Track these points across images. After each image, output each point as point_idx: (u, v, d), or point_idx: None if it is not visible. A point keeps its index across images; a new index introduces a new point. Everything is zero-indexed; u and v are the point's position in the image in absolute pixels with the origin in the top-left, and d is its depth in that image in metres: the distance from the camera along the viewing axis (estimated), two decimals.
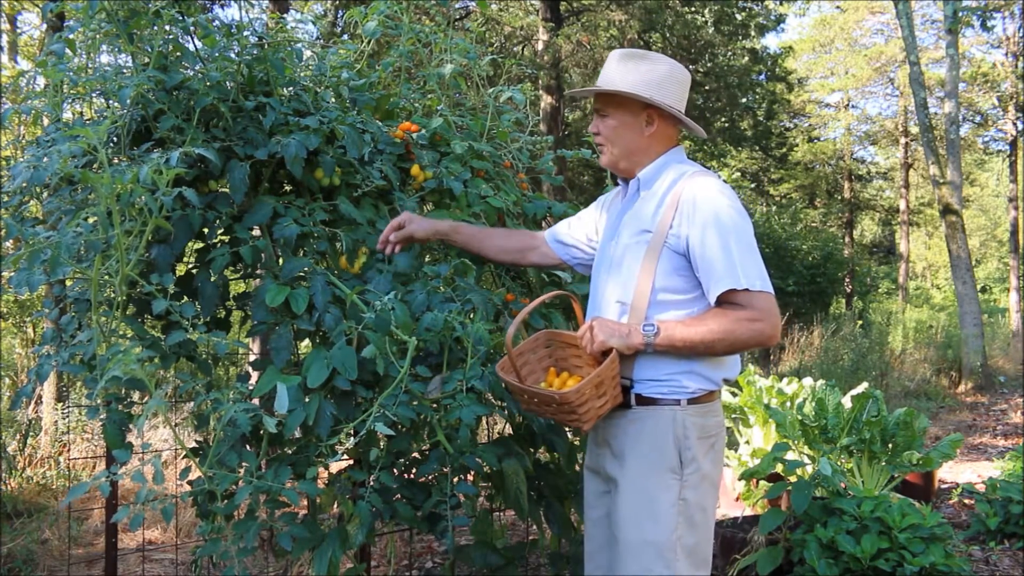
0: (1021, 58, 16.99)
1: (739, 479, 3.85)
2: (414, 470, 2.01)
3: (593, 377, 1.65)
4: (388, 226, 2.01)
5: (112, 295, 1.76)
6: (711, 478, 1.78)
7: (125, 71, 1.94)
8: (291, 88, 2.09)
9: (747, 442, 4.57)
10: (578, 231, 2.09)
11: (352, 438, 1.77)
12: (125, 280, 1.67)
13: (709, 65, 12.62)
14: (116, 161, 1.89)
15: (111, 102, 1.95)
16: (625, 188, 1.93)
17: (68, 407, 5.29)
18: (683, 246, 1.73)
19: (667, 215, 1.75)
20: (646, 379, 1.75)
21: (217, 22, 2.02)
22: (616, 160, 1.87)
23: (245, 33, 1.97)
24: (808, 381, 4.82)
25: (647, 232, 1.78)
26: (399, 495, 1.95)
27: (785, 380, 4.94)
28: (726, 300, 1.68)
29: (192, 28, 1.97)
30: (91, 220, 1.70)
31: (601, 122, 1.87)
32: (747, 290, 1.65)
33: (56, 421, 5.18)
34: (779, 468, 3.44)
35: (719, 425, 1.82)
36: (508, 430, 2.39)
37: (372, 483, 1.87)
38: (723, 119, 13.62)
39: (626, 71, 1.81)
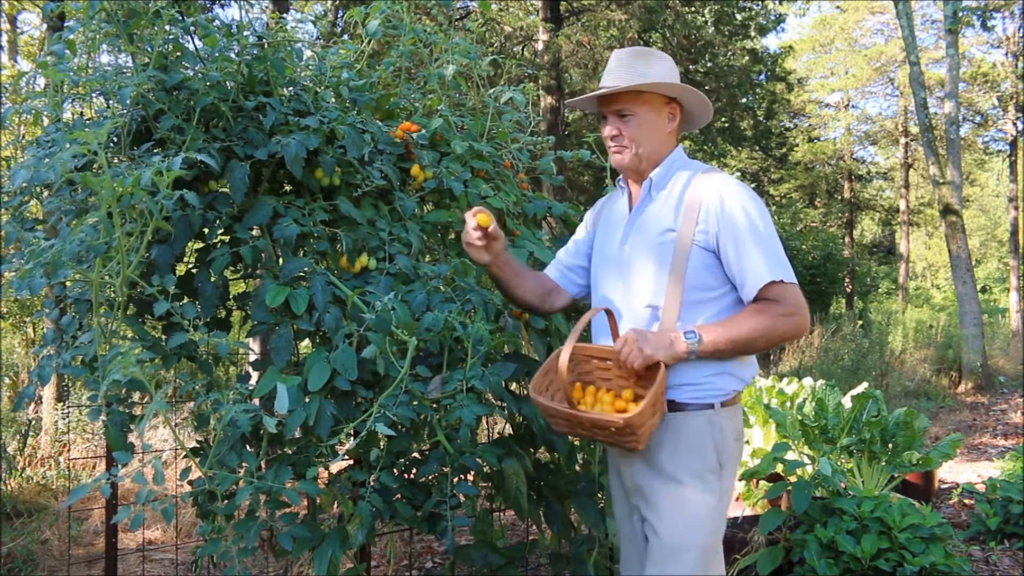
0: (1021, 58, 16.98)
1: (739, 479, 3.85)
2: (414, 470, 2.01)
3: (651, 396, 1.59)
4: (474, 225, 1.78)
5: (113, 296, 1.76)
6: (734, 478, 1.80)
7: (125, 71, 1.94)
8: (291, 88, 2.09)
9: (747, 442, 4.57)
10: (580, 255, 2.02)
11: (352, 438, 1.77)
12: (126, 281, 1.67)
13: (709, 65, 12.61)
14: (116, 161, 1.89)
15: (111, 102, 1.95)
16: (624, 190, 1.90)
17: (68, 407, 5.29)
18: (712, 243, 1.70)
19: (691, 213, 1.72)
20: (682, 384, 1.72)
21: (217, 22, 2.02)
22: (639, 161, 1.80)
23: (245, 33, 1.97)
24: (808, 381, 4.83)
25: (671, 231, 1.73)
26: (399, 495, 1.95)
27: (785, 380, 4.94)
28: (761, 295, 1.66)
29: (192, 28, 1.97)
30: (91, 222, 1.70)
31: (622, 123, 1.79)
32: (781, 282, 1.65)
33: (56, 421, 5.18)
34: (779, 468, 3.44)
35: (742, 425, 1.83)
36: (508, 430, 2.39)
37: (372, 483, 1.87)
38: (723, 119, 13.61)
39: (646, 66, 1.77)
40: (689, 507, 1.69)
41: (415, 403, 1.82)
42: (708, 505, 1.70)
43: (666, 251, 1.72)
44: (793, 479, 3.31)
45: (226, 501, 1.79)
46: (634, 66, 1.77)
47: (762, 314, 1.65)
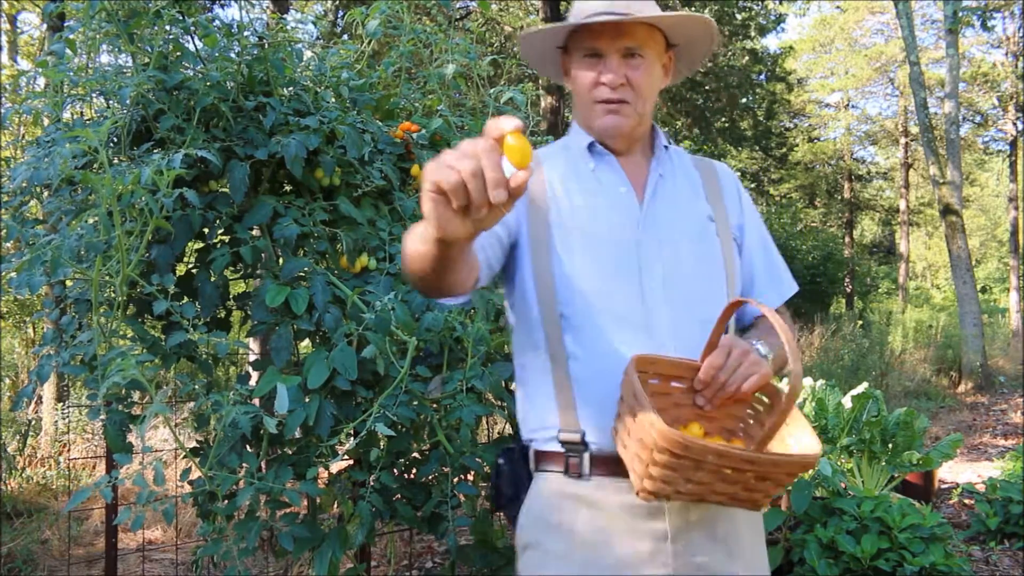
0: (1021, 58, 16.99)
1: None
2: (414, 470, 2.01)
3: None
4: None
5: (112, 295, 1.76)
6: None
7: (125, 71, 1.94)
8: (291, 88, 2.09)
9: None
10: (507, 229, 1.32)
11: (352, 438, 1.77)
12: (126, 281, 1.67)
13: (709, 65, 12.61)
14: (116, 161, 1.89)
15: (111, 102, 1.95)
16: (603, 160, 1.34)
17: (68, 407, 5.29)
18: (740, 237, 1.37)
19: (716, 199, 1.36)
20: None
21: (217, 22, 2.02)
22: (638, 123, 1.32)
23: (245, 33, 1.98)
24: (808, 381, 4.82)
25: (711, 221, 1.33)
26: (399, 495, 1.95)
27: (785, 380, 4.93)
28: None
29: (192, 28, 1.97)
30: (91, 221, 1.71)
31: (629, 67, 1.27)
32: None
33: (56, 421, 5.18)
34: None
35: None
36: (508, 430, 2.39)
37: (372, 483, 1.87)
38: (723, 119, 13.62)
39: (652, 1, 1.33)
40: None
41: (415, 403, 1.82)
42: None
43: (712, 247, 1.31)
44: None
45: (226, 501, 1.79)
46: None
47: (789, 328, 1.22)
